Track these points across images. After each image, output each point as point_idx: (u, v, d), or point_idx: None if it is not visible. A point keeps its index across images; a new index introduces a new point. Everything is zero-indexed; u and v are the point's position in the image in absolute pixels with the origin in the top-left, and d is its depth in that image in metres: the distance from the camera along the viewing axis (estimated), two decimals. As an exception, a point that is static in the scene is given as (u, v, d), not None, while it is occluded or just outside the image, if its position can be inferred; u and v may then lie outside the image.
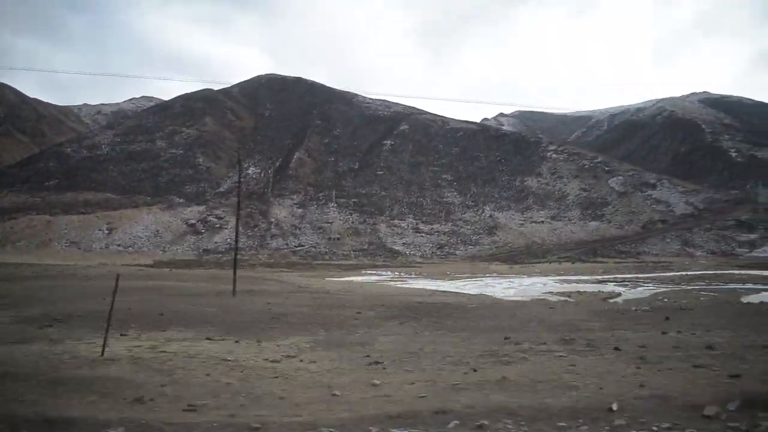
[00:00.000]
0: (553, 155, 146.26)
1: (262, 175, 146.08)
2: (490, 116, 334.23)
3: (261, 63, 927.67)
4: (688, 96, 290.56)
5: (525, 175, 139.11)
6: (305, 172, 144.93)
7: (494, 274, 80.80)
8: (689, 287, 64.19)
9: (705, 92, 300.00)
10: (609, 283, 67.33)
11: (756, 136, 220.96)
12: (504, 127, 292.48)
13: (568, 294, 57.13)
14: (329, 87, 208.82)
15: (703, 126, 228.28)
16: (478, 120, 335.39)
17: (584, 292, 59.78)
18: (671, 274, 79.88)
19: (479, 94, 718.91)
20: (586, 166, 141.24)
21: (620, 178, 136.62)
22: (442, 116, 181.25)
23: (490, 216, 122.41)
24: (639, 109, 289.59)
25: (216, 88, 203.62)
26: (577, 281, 70.77)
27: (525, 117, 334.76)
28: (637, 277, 75.57)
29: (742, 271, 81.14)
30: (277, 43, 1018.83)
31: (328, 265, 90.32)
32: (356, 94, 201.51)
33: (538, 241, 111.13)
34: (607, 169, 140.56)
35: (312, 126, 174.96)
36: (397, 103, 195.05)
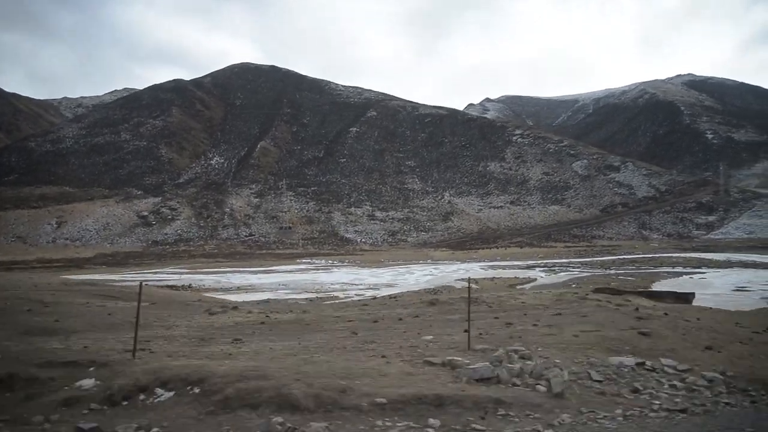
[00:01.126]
0: (519, 139, 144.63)
1: (226, 164, 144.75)
2: (475, 102, 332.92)
3: (250, 53, 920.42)
4: (672, 78, 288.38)
5: (489, 160, 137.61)
6: (268, 161, 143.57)
7: (428, 261, 79.83)
8: (614, 272, 63.19)
9: (690, 74, 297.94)
10: (536, 269, 66.33)
11: (735, 117, 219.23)
12: (489, 113, 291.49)
13: (475, 281, 56.23)
14: (302, 75, 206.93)
15: (683, 108, 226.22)
16: (462, 105, 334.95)
17: (499, 278, 58.94)
18: (611, 258, 78.70)
19: (468, 80, 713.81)
20: (551, 150, 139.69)
21: (584, 161, 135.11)
22: (412, 102, 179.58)
23: (449, 202, 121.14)
24: (623, 93, 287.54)
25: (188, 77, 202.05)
26: (505, 267, 69.77)
27: (511, 102, 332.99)
28: (570, 262, 74.43)
29: (684, 254, 79.95)
30: (266, 33, 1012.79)
31: (269, 254, 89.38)
32: (329, 82, 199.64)
33: (493, 226, 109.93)
34: (572, 152, 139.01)
35: (281, 115, 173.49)
36: (369, 90, 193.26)
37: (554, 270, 64.19)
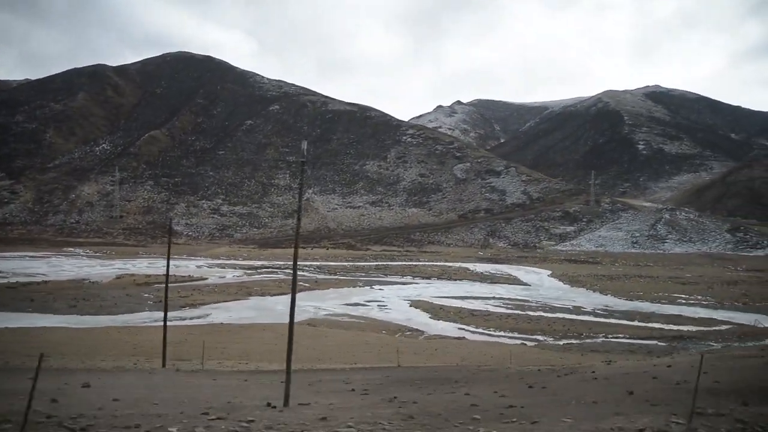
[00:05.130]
0: (409, 139, 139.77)
1: (109, 151, 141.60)
2: (445, 104, 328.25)
3: (242, 45, 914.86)
4: (637, 89, 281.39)
5: (369, 159, 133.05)
6: (151, 150, 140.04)
7: (184, 256, 75.81)
8: (323, 276, 59.06)
9: (656, 86, 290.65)
10: (264, 270, 62.48)
11: (678, 129, 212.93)
12: (456, 115, 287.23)
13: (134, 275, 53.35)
14: (233, 67, 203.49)
15: (626, 118, 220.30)
16: (432, 108, 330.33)
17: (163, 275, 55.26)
18: (380, 263, 73.72)
19: (458, 80, 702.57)
20: (437, 152, 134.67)
21: (467, 164, 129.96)
22: (327, 97, 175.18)
23: (307, 199, 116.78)
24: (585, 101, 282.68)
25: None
26: (240, 267, 65.81)
27: (483, 106, 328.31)
28: (322, 266, 70.00)
29: (463, 264, 74.95)
30: (260, 26, 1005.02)
31: (64, 241, 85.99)
32: (255, 74, 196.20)
33: (332, 226, 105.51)
34: (458, 155, 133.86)
35: (192, 105, 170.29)
36: (291, 84, 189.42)
37: (256, 272, 60.08)
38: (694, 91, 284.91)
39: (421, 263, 71.82)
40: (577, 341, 32.20)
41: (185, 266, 62.77)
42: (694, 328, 37.16)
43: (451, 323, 36.62)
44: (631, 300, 48.82)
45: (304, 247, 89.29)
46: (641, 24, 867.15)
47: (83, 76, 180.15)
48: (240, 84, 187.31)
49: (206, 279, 52.95)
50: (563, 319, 38.98)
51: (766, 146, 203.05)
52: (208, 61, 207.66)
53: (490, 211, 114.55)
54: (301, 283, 52.88)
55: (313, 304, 41.44)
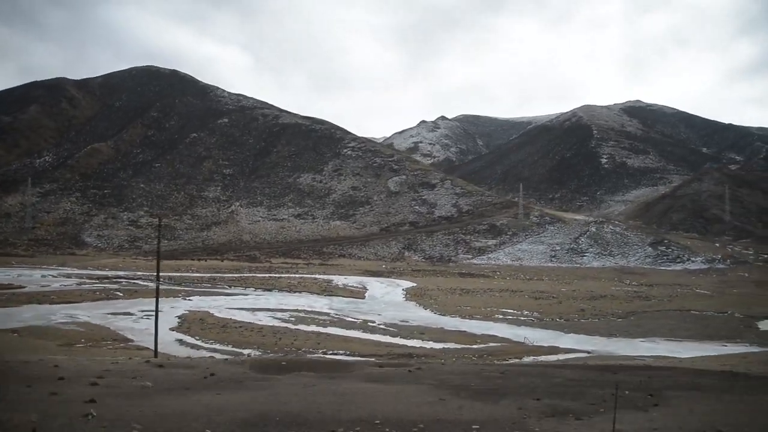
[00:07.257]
0: (349, 152, 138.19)
1: (49, 164, 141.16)
2: (429, 119, 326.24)
3: (239, 59, 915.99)
4: (615, 104, 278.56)
5: (305, 171, 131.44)
6: (90, 162, 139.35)
7: (54, 266, 74.14)
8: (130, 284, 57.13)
9: (637, 100, 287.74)
10: (112, 280, 60.79)
11: (647, 143, 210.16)
12: (438, 130, 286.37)
13: None
14: (196, 81, 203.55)
15: (595, 132, 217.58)
16: (415, 123, 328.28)
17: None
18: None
19: (452, 96, 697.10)
20: (375, 164, 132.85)
21: (402, 177, 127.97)
22: (281, 110, 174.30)
23: (232, 211, 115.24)
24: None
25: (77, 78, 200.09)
26: (89, 276, 64.02)
27: (467, 121, 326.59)
28: (173, 278, 68.15)
29: (329, 276, 72.89)
30: (255, 40, 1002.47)
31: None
32: (216, 88, 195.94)
33: (247, 238, 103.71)
34: (395, 167, 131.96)
35: (145, 118, 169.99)
36: (251, 98, 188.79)
37: (98, 282, 58.14)
38: (677, 108, 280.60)
39: (289, 276, 69.64)
40: (284, 355, 30.08)
41: (30, 275, 61.22)
42: (444, 346, 34.70)
43: (181, 335, 34.86)
44: (444, 315, 46.40)
45: (201, 260, 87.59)
46: (633, 41, 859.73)
47: (41, 88, 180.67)
48: (199, 98, 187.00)
49: (24, 288, 51.33)
50: (319, 334, 36.88)
51: (734, 160, 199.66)
52: (173, 75, 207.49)
53: (415, 224, 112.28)
54: (117, 292, 51.15)
55: (77, 312, 39.79)
